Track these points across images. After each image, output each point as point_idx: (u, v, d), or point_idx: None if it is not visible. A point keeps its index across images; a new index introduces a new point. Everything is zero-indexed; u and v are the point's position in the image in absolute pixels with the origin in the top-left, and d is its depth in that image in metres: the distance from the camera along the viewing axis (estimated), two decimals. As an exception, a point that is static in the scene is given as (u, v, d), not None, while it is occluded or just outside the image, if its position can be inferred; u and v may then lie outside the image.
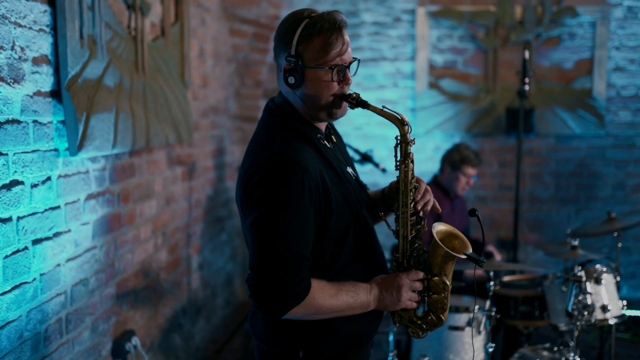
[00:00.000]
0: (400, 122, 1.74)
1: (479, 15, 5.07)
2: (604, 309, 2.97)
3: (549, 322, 3.17)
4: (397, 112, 1.75)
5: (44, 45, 2.28)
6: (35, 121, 2.23)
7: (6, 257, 2.08)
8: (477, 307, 2.96)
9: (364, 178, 2.04)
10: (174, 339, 3.91)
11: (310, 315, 1.70)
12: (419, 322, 1.85)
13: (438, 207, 1.86)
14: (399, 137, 1.77)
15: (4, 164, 2.06)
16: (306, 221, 1.66)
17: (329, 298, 1.69)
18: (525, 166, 5.07)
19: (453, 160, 3.71)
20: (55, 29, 2.33)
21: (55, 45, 2.33)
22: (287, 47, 1.71)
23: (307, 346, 1.77)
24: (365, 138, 5.30)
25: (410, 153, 1.77)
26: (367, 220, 1.85)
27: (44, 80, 2.28)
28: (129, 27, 3.02)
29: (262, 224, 1.64)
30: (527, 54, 3.85)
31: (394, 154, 1.79)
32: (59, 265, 2.42)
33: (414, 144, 1.78)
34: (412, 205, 1.79)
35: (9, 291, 2.10)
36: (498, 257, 3.81)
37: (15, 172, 2.12)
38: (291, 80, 1.72)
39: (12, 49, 2.09)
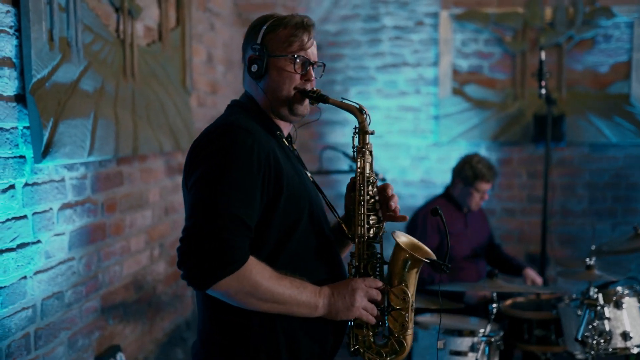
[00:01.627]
0: (358, 111, 1.70)
1: (506, 18, 4.79)
2: (625, 336, 2.67)
3: (565, 348, 2.88)
4: (356, 102, 1.72)
5: (7, 48, 2.18)
6: (-6, 127, 2.13)
7: (-45, 269, 1.98)
8: (482, 330, 2.71)
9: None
10: (176, 354, 3.77)
11: (245, 295, 1.51)
12: (379, 348, 1.65)
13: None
14: (356, 127, 1.71)
15: (-47, 171, 1.96)
16: (251, 188, 1.54)
17: (270, 279, 1.53)
18: (556, 177, 4.75)
19: (465, 176, 3.45)
20: (20, 31, 2.23)
21: (20, 47, 2.23)
22: (254, 39, 1.72)
23: None
24: (386, 147, 5.08)
25: (368, 143, 1.70)
26: (322, 223, 1.72)
27: (6, 84, 2.18)
28: (118, 30, 2.91)
29: (202, 182, 1.54)
30: (543, 55, 3.58)
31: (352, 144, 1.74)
32: (24, 277, 2.30)
33: (372, 134, 1.71)
34: (371, 201, 1.67)
35: (-41, 305, 2.00)
36: (538, 280, 3.46)
37: (-32, 179, 2.02)
38: (254, 68, 1.70)
39: (-35, 50, 1.99)
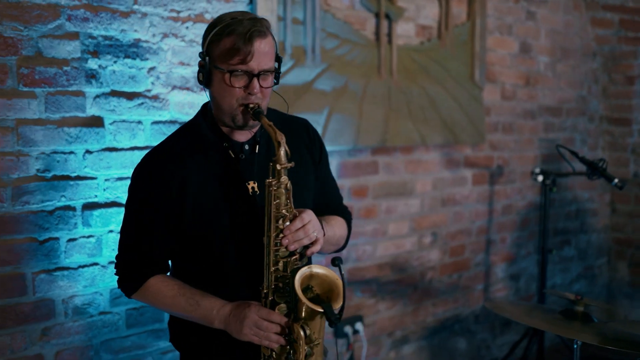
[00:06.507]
0: (276, 142, 1.62)
1: None
2: None
3: None
4: (278, 130, 1.62)
5: (243, 59, 2.78)
6: (228, 121, 2.76)
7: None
8: None
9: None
10: (456, 342, 3.88)
11: (152, 306, 1.83)
12: None
13: (314, 249, 1.67)
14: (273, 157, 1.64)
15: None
16: (149, 220, 1.73)
17: (165, 298, 1.75)
18: None
19: None
20: (254, 44, 2.79)
21: (255, 57, 2.80)
22: (202, 45, 1.73)
23: (179, 341, 1.87)
24: None
25: (282, 176, 1.62)
26: (245, 240, 1.72)
27: (241, 87, 2.78)
28: (377, 33, 3.21)
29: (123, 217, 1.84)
30: None
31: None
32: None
33: (287, 168, 1.62)
34: (275, 235, 1.63)
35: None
36: None
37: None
38: (200, 76, 1.72)
39: (201, 64, 2.66)
